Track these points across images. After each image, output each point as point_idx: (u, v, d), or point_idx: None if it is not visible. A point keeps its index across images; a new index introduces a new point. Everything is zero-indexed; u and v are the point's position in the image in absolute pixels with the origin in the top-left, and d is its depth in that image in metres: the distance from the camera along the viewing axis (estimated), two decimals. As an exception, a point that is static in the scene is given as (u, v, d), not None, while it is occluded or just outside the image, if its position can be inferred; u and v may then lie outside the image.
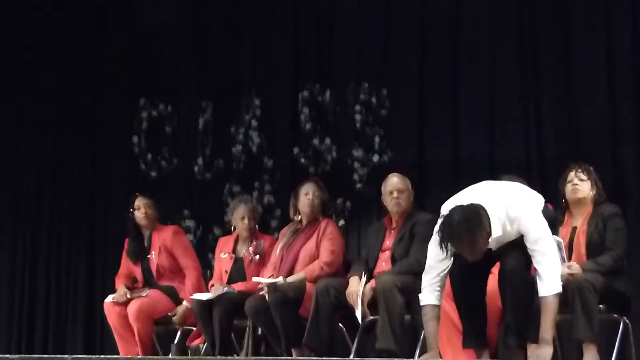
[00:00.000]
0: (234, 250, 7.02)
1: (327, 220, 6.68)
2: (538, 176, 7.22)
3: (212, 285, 6.88)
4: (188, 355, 6.63)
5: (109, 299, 7.10)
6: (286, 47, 8.56)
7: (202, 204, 8.65)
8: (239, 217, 7.02)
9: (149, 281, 7.16)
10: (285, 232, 6.80)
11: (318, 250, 6.53)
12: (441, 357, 5.31)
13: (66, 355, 5.33)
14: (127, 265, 7.26)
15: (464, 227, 4.93)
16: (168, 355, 6.83)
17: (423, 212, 6.35)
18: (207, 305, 6.61)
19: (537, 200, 5.28)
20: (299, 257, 6.56)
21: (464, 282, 5.25)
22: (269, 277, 6.50)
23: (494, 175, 5.94)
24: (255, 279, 6.54)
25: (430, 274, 5.26)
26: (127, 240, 7.31)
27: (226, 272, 6.95)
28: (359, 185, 8.04)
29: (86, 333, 8.88)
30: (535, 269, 5.08)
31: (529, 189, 5.44)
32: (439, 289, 5.25)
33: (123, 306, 6.99)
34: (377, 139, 8.02)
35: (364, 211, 7.95)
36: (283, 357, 6.13)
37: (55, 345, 8.95)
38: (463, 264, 5.15)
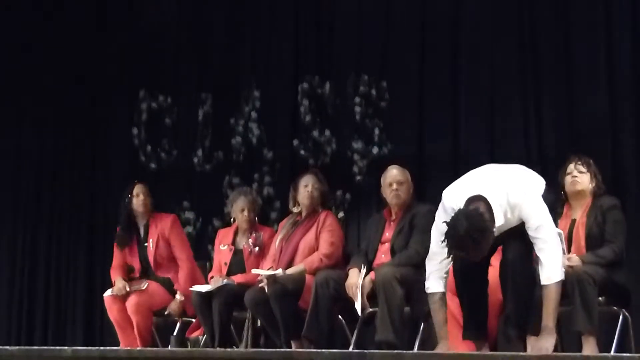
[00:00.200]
0: (234, 242, 7.02)
1: (326, 212, 6.68)
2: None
3: (212, 277, 6.88)
4: (187, 346, 6.64)
5: (108, 292, 7.10)
6: (286, 39, 8.56)
7: (201, 195, 8.65)
8: (239, 209, 7.02)
9: (146, 271, 7.15)
10: (285, 224, 6.80)
11: (317, 242, 6.53)
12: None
13: (66, 347, 5.32)
14: (120, 256, 7.25)
15: (469, 239, 4.87)
16: (167, 347, 6.83)
17: (422, 203, 6.34)
18: (206, 297, 6.61)
19: (537, 184, 5.25)
20: (299, 249, 6.56)
21: (467, 273, 5.24)
22: (268, 269, 6.50)
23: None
24: (254, 271, 6.54)
25: (434, 260, 5.25)
26: (118, 229, 7.30)
27: (225, 264, 6.95)
28: (358, 177, 8.04)
29: (86, 328, 8.88)
30: (537, 257, 5.08)
31: (530, 171, 5.39)
32: (445, 275, 5.24)
33: (123, 300, 6.99)
34: (376, 131, 8.02)
35: (364, 203, 7.95)
36: (282, 349, 6.13)
37: (55, 329, 8.96)
38: (462, 256, 5.14)
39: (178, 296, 6.99)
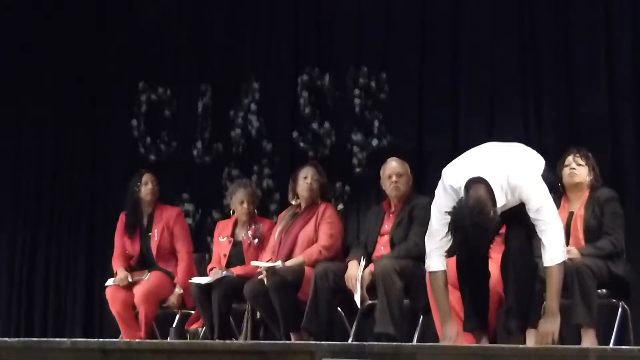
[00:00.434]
0: (233, 234, 7.02)
1: (325, 204, 6.68)
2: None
3: (211, 269, 6.88)
4: (187, 339, 6.64)
5: (110, 282, 7.10)
6: (286, 32, 8.54)
7: (201, 187, 8.64)
8: (238, 201, 7.02)
9: (145, 261, 7.15)
10: (284, 216, 6.80)
11: (317, 234, 6.53)
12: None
13: (65, 339, 5.32)
14: (122, 245, 7.25)
15: (474, 235, 4.88)
16: (166, 339, 6.83)
17: (422, 196, 6.33)
18: (205, 289, 6.61)
19: (537, 163, 5.22)
20: (298, 241, 6.56)
21: (468, 265, 5.24)
22: (267, 261, 6.51)
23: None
24: (253, 263, 6.54)
25: (434, 237, 5.21)
26: (122, 216, 7.30)
27: (225, 255, 6.95)
28: (357, 170, 8.04)
29: (85, 323, 8.88)
30: (539, 239, 5.07)
31: (529, 150, 5.37)
32: (445, 253, 5.20)
33: (125, 290, 7.00)
34: (376, 123, 8.01)
35: (363, 195, 7.95)
36: (282, 341, 6.13)
37: (55, 329, 8.96)
38: (466, 249, 5.12)
39: (177, 289, 7.00)
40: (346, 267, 6.18)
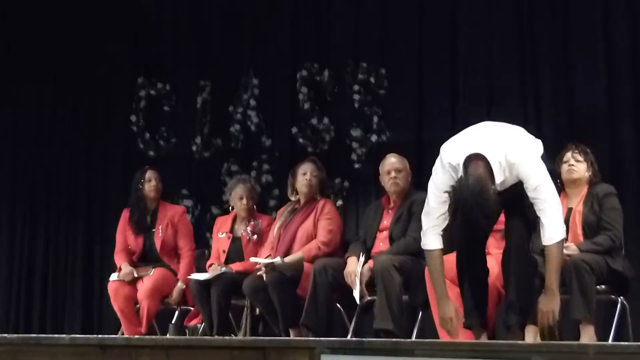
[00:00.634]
0: (232, 230, 7.03)
1: (324, 200, 6.69)
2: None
3: (210, 265, 6.88)
4: (186, 335, 6.64)
5: (114, 277, 7.10)
6: (284, 26, 8.54)
7: (200, 183, 8.64)
8: (237, 196, 7.02)
9: (148, 256, 7.16)
10: (283, 212, 6.80)
11: (315, 230, 6.54)
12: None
13: (64, 335, 5.32)
14: (124, 240, 7.25)
15: (476, 215, 4.84)
16: (166, 335, 6.83)
17: (421, 191, 6.29)
18: (205, 285, 6.62)
19: (536, 145, 5.20)
20: (297, 237, 6.56)
21: (468, 260, 5.24)
22: (266, 257, 6.51)
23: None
24: (252, 260, 6.55)
25: (431, 215, 5.17)
26: (125, 212, 7.30)
27: (224, 251, 6.95)
28: (357, 165, 8.04)
29: (84, 313, 8.88)
30: (538, 234, 5.06)
31: (527, 133, 5.35)
32: (441, 232, 5.17)
33: (129, 285, 7.00)
34: (375, 119, 8.00)
35: (362, 191, 7.94)
36: (281, 337, 6.13)
37: (53, 325, 8.96)
38: (468, 229, 5.10)
39: (180, 284, 7.00)
40: (345, 263, 6.18)
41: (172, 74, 8.92)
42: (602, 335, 5.61)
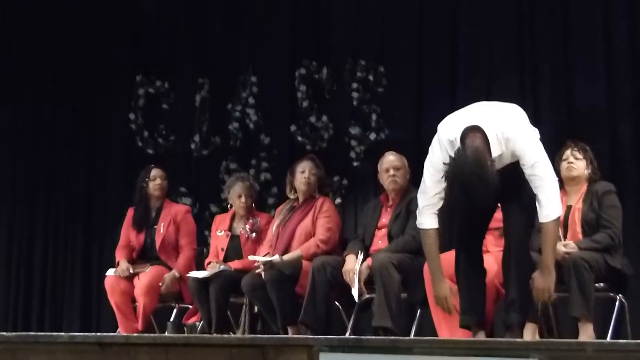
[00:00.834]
0: (231, 228, 7.03)
1: (323, 198, 6.68)
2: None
3: (209, 263, 6.88)
4: (184, 332, 6.64)
5: (110, 272, 7.10)
6: (283, 24, 8.53)
7: (198, 181, 8.65)
8: (236, 194, 7.02)
9: (147, 253, 7.16)
10: (282, 210, 6.80)
11: (314, 228, 6.54)
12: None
13: (62, 333, 5.32)
14: (128, 237, 7.25)
15: (474, 186, 4.73)
16: (164, 332, 6.83)
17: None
18: (203, 282, 6.62)
19: (533, 129, 5.14)
20: (295, 235, 6.56)
21: (466, 258, 5.23)
22: (265, 255, 6.51)
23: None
24: (251, 258, 6.55)
25: (427, 193, 5.13)
26: (131, 210, 7.31)
27: (222, 249, 6.95)
28: (355, 163, 8.03)
29: (83, 311, 8.87)
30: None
31: (526, 115, 5.27)
32: (437, 212, 5.13)
33: (125, 281, 7.00)
34: (374, 117, 8.00)
35: (361, 189, 7.94)
36: (279, 335, 6.13)
37: (52, 323, 8.95)
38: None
39: (175, 272, 6.98)
40: (344, 261, 6.18)
41: (171, 72, 8.92)
42: (600, 332, 5.60)
